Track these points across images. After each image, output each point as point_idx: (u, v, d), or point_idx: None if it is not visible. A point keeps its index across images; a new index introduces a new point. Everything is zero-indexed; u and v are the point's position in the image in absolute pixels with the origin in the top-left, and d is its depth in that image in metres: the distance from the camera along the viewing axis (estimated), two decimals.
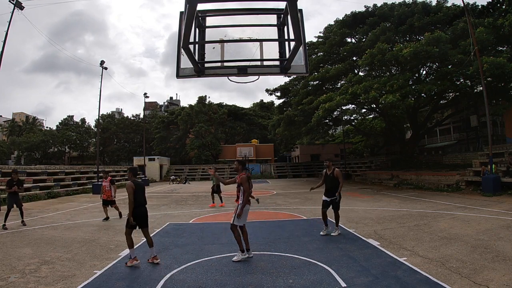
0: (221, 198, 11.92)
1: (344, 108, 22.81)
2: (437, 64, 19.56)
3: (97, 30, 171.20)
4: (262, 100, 56.95)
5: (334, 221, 6.72)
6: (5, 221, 7.97)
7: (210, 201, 12.20)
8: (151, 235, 6.28)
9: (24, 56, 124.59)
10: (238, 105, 52.02)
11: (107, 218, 9.10)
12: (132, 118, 55.62)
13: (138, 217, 4.88)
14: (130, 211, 4.79)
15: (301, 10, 3.25)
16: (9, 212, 8.15)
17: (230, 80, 3.83)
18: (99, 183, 15.44)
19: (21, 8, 14.66)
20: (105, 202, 9.24)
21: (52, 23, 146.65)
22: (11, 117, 58.70)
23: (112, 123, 51.48)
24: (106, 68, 22.52)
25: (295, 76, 24.20)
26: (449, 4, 21.44)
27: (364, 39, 22.66)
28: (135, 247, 5.83)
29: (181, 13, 3.35)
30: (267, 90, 31.13)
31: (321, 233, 6.55)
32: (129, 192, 4.73)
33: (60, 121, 54.08)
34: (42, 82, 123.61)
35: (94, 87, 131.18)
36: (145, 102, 37.48)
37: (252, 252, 5.14)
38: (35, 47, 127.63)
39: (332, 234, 6.48)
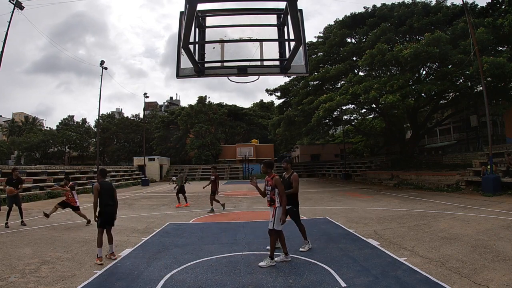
0: (185, 198, 12.54)
1: (344, 108, 22.82)
2: (437, 64, 19.54)
3: (98, 31, 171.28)
4: (262, 100, 56.83)
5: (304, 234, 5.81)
6: (7, 219, 8.04)
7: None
8: (151, 235, 6.27)
9: (25, 57, 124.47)
10: (238, 105, 51.96)
11: (87, 222, 8.41)
12: (132, 118, 55.58)
13: (106, 216, 5.17)
14: (95, 211, 5.16)
15: (301, 10, 3.26)
16: (10, 211, 8.23)
17: (230, 80, 3.84)
18: None
19: (21, 8, 14.67)
20: (64, 204, 8.62)
21: (53, 24, 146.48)
22: (11, 117, 58.70)
23: (112, 123, 51.43)
24: (106, 68, 22.58)
25: (295, 76, 24.19)
26: (448, 4, 21.48)
27: (364, 40, 22.63)
28: (135, 247, 5.89)
29: (181, 13, 3.36)
30: (267, 90, 31.07)
31: (301, 249, 5.47)
32: (94, 194, 5.12)
33: (60, 121, 54.10)
34: (42, 83, 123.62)
35: (94, 87, 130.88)
36: (145, 102, 37.44)
37: (253, 253, 5.11)
38: (36, 48, 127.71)
39: (301, 249, 5.44)
